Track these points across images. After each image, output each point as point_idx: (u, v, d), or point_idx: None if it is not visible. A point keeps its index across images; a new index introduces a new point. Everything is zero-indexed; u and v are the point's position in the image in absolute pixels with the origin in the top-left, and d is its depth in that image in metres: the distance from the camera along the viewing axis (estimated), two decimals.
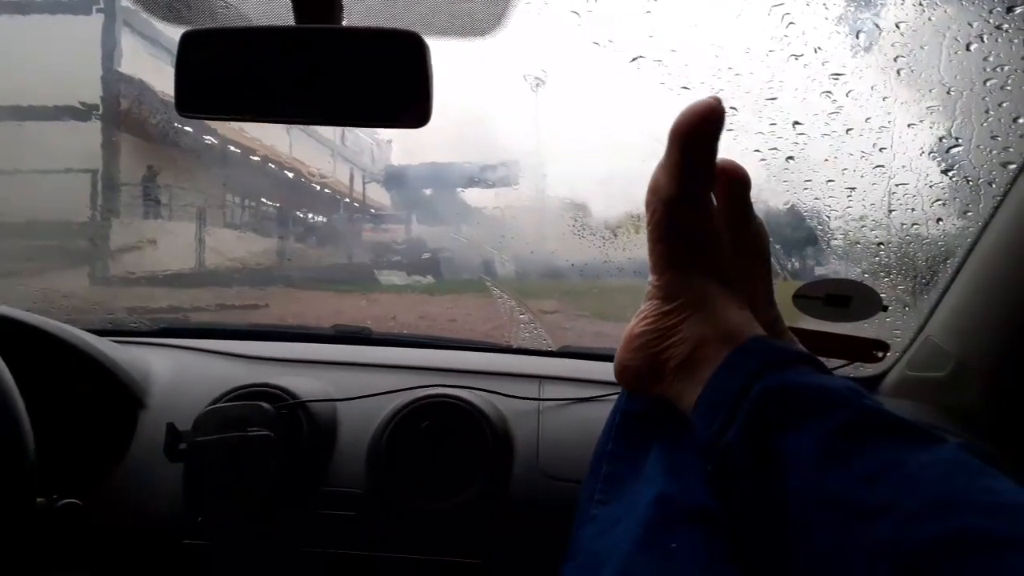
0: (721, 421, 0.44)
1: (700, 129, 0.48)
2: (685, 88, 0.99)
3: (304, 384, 1.04)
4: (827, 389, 0.43)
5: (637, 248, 1.36)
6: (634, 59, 0.98)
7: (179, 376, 1.10)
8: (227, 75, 0.69)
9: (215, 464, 0.91)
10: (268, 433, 0.91)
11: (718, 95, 0.47)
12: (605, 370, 1.11)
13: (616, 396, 0.61)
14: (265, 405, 0.94)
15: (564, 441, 1.01)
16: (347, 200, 3.49)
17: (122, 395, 1.03)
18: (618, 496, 0.52)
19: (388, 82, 0.67)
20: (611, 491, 0.53)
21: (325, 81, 0.67)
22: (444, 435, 0.99)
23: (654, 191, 0.51)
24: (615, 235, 1.39)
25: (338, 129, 2.98)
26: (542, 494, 0.96)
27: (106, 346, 1.04)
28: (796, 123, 0.95)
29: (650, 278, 0.54)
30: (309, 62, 0.67)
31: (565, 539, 0.55)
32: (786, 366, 0.46)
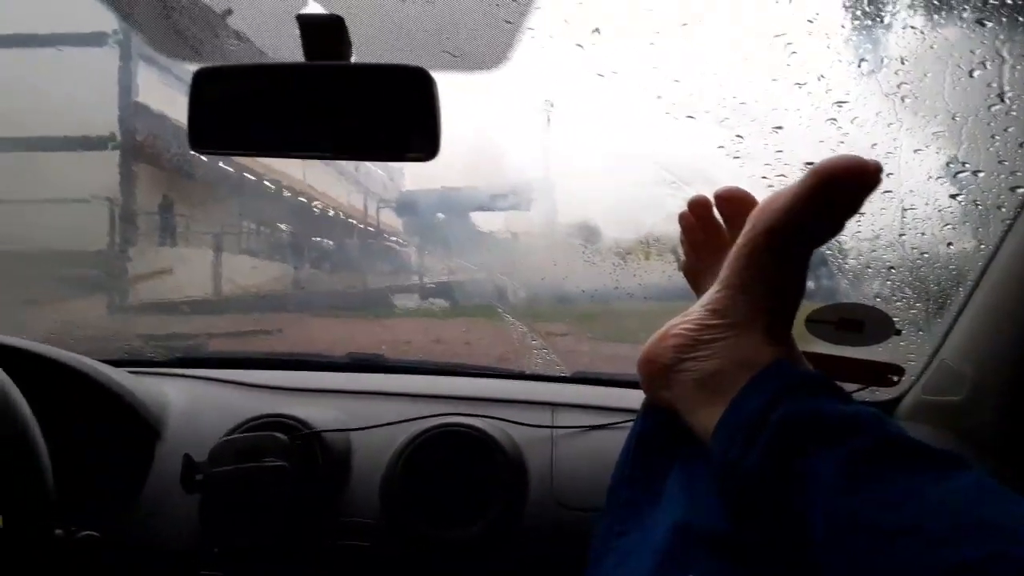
0: (741, 445, 0.44)
1: (850, 180, 0.46)
2: (690, 117, 1.00)
3: (318, 414, 1.04)
4: (849, 415, 0.43)
5: (647, 274, 1.36)
6: (639, 90, 0.99)
7: (195, 407, 1.11)
8: (239, 111, 0.71)
9: (231, 495, 0.92)
10: (283, 464, 0.91)
11: (879, 163, 0.45)
12: (619, 396, 1.12)
13: (631, 423, 0.62)
14: (280, 435, 0.95)
15: (578, 469, 1.00)
16: (361, 226, 3.52)
17: (139, 426, 1.03)
18: (636, 525, 0.53)
19: (397, 116, 0.68)
20: (630, 519, 0.54)
21: (335, 116, 0.69)
22: (458, 464, 0.99)
23: (765, 213, 0.51)
24: (624, 261, 1.40)
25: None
26: (556, 523, 0.96)
27: (123, 377, 1.05)
28: (804, 160, 0.95)
29: (714, 287, 0.54)
30: (319, 98, 0.69)
31: (579, 569, 0.55)
32: (807, 391, 0.46)
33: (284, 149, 0.75)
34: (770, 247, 0.50)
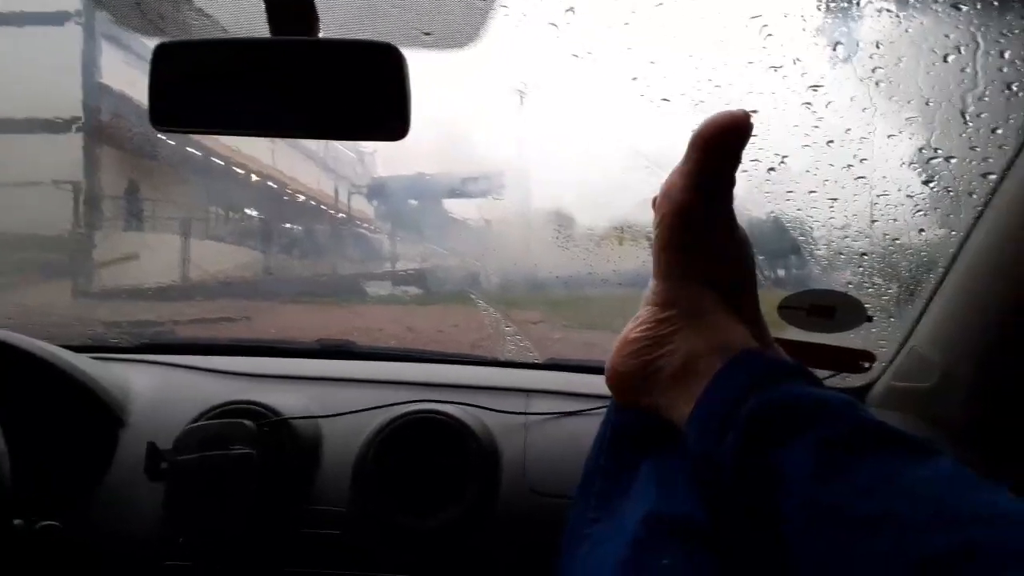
0: (715, 435, 0.44)
1: (725, 138, 0.48)
2: (665, 100, 0.99)
3: (287, 401, 1.02)
4: (822, 402, 0.42)
5: (621, 260, 1.36)
6: (613, 71, 0.98)
7: (160, 393, 1.08)
8: (202, 88, 0.68)
9: (196, 483, 0.89)
10: (250, 451, 0.89)
11: (745, 110, 0.47)
12: (592, 383, 1.11)
13: (604, 409, 0.61)
14: (247, 423, 0.92)
15: (551, 456, 1.00)
16: (331, 212, 3.48)
17: (101, 413, 1.01)
18: (610, 513, 0.52)
19: (366, 94, 0.66)
20: (603, 507, 0.53)
21: (301, 93, 0.67)
22: (430, 451, 0.98)
23: (667, 196, 0.51)
24: (599, 246, 1.39)
25: (321, 140, 2.97)
26: (529, 510, 0.95)
27: (84, 363, 1.02)
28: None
29: (651, 283, 0.54)
30: (285, 74, 0.66)
31: (553, 556, 0.54)
32: (779, 379, 0.45)
33: (248, 127, 0.73)
34: (684, 224, 0.51)
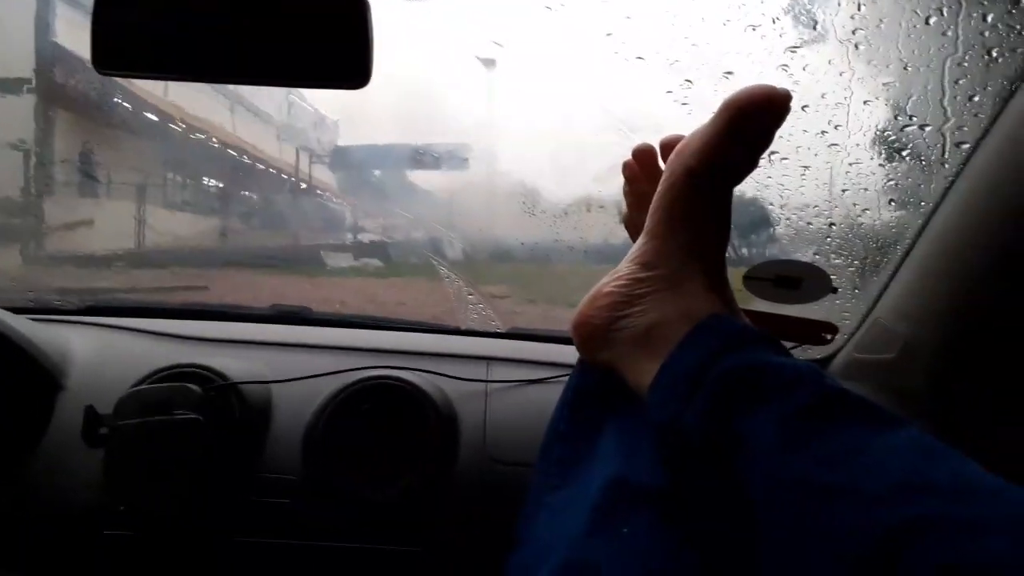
0: (679, 401, 0.43)
1: (762, 110, 0.45)
2: (640, 58, 0.96)
3: (236, 365, 0.98)
4: (789, 370, 0.42)
5: (588, 228, 1.34)
6: (585, 27, 0.95)
7: (102, 356, 1.03)
8: (149, 29, 0.64)
9: (138, 449, 0.85)
10: (196, 416, 0.85)
11: (787, 90, 0.44)
12: (555, 352, 1.09)
13: (566, 377, 0.60)
14: (193, 387, 0.88)
15: (512, 424, 0.98)
16: (292, 180, 3.40)
17: (37, 376, 0.95)
18: (571, 480, 0.51)
19: (326, 40, 0.63)
20: (563, 474, 0.52)
21: (258, 37, 0.63)
22: (386, 419, 0.95)
23: (681, 155, 0.50)
24: (566, 213, 1.37)
25: (283, 106, 2.89)
26: (489, 479, 0.93)
27: (20, 323, 0.97)
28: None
29: (640, 239, 0.53)
30: (240, 16, 0.62)
31: (513, 525, 0.52)
32: (747, 345, 0.44)
33: (199, 72, 0.68)
34: (691, 189, 0.49)
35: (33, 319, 1.04)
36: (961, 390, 0.91)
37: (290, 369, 1.00)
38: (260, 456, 0.93)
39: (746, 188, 1.05)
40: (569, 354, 0.55)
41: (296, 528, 0.90)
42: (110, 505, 0.87)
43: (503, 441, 0.96)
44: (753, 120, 0.46)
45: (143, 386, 0.91)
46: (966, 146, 0.79)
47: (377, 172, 2.65)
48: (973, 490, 0.34)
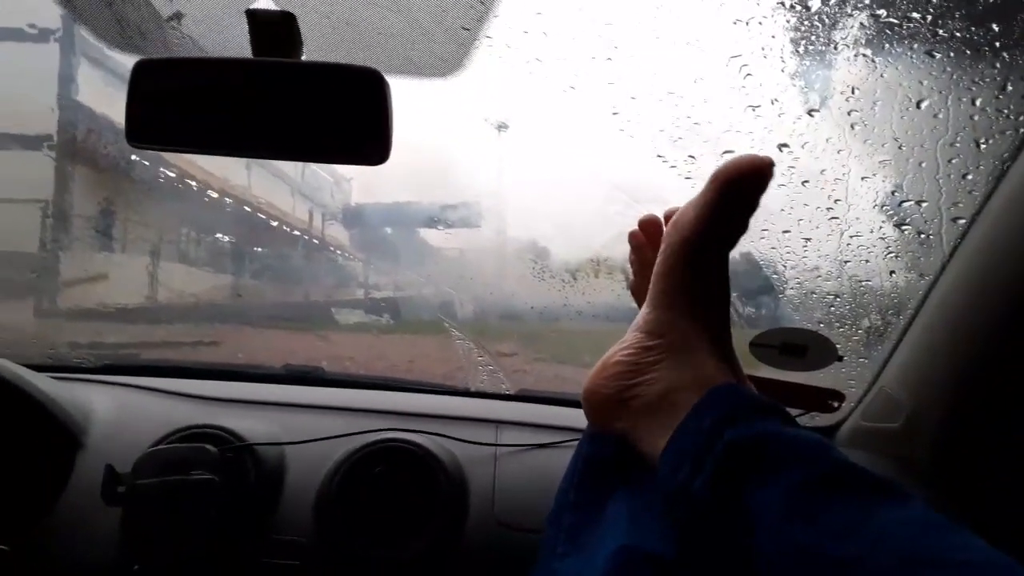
0: (688, 469, 0.43)
1: (744, 181, 0.47)
2: (642, 134, 1.00)
3: (251, 426, 1.00)
4: (797, 441, 0.42)
5: (596, 292, 1.36)
6: (594, 105, 0.99)
7: (121, 415, 1.05)
8: (180, 106, 0.67)
9: (155, 509, 0.86)
10: (212, 477, 0.87)
11: (770, 157, 0.47)
12: (564, 415, 1.10)
13: (575, 442, 0.60)
14: (210, 448, 0.90)
15: (521, 489, 0.98)
16: (305, 238, 3.45)
17: (59, 434, 0.97)
18: (579, 547, 0.50)
19: (347, 118, 0.66)
20: (572, 542, 0.51)
21: (282, 116, 0.66)
22: (397, 481, 0.96)
23: (677, 227, 0.51)
24: (575, 278, 1.39)
25: (298, 165, 2.95)
26: (497, 543, 0.93)
27: (43, 382, 0.99)
28: None
29: (644, 309, 0.54)
30: (266, 96, 0.66)
31: None
32: (756, 415, 0.45)
33: (227, 147, 0.71)
34: (688, 258, 0.51)
35: (54, 378, 1.06)
36: (962, 461, 0.92)
37: (303, 430, 1.02)
38: (273, 517, 0.94)
39: (751, 257, 1.08)
40: (578, 418, 0.55)
41: None
42: (126, 563, 0.88)
43: (512, 506, 0.96)
44: (740, 187, 0.48)
45: (161, 446, 0.93)
46: (962, 221, 0.82)
47: (389, 231, 2.69)
48: (980, 564, 0.34)
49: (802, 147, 0.93)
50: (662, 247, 0.53)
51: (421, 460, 0.97)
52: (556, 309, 1.44)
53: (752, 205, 0.49)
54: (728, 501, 0.41)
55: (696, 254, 0.50)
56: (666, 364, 0.50)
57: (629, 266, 0.69)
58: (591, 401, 0.55)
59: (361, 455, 0.97)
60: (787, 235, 1.02)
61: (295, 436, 1.01)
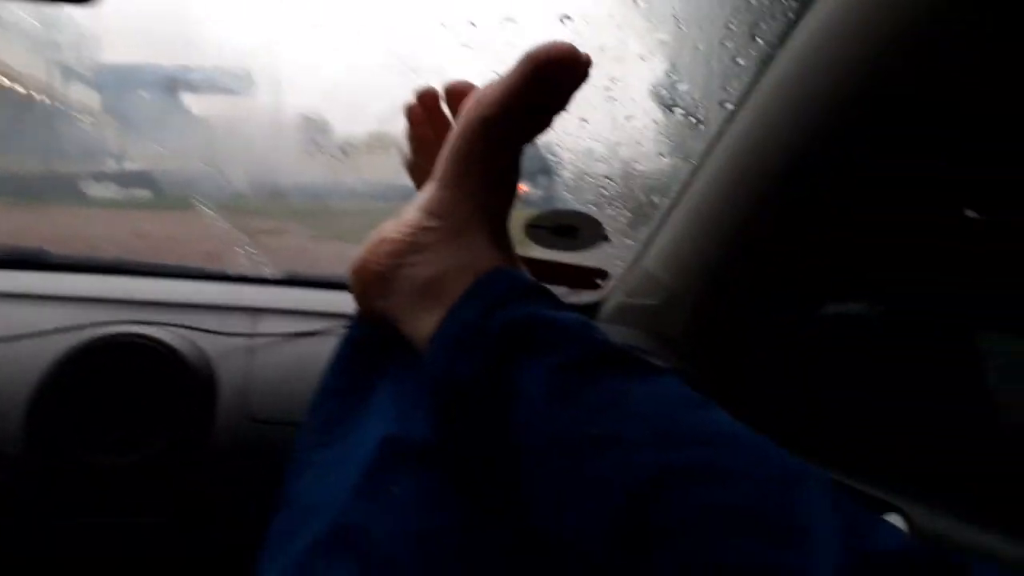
0: (456, 354, 0.43)
1: (564, 70, 0.43)
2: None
3: None
4: (561, 324, 0.42)
5: (371, 169, 1.30)
6: None
7: None
8: None
9: None
10: None
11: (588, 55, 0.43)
12: (333, 300, 1.04)
13: (342, 329, 0.59)
14: None
15: (279, 381, 0.91)
16: (46, 101, 2.97)
17: None
18: (340, 438, 0.48)
19: None
20: (333, 432, 0.49)
21: None
22: (128, 382, 0.84)
23: (480, 104, 0.47)
24: (346, 154, 1.31)
25: (39, 18, 2.49)
26: (251, 441, 0.87)
27: None
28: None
29: (429, 186, 0.50)
30: None
31: (275, 486, 0.49)
32: (524, 299, 0.44)
33: None
34: (484, 139, 0.47)
35: None
36: (719, 338, 0.98)
37: (15, 324, 0.87)
38: None
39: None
40: (348, 303, 0.51)
41: (20, 507, 0.79)
42: None
43: (269, 400, 0.89)
44: (553, 78, 0.44)
45: None
46: (729, 106, 0.83)
47: (146, 95, 2.37)
48: (725, 437, 0.36)
49: (585, 21, 0.89)
50: (459, 122, 0.49)
51: (159, 356, 0.85)
52: (329, 186, 1.38)
53: (563, 100, 0.46)
54: (493, 384, 0.41)
55: (493, 136, 0.47)
56: (444, 246, 0.48)
57: (407, 142, 0.63)
58: (359, 277, 0.52)
59: (84, 352, 0.84)
60: (564, 114, 0.99)
61: (5, 331, 0.86)
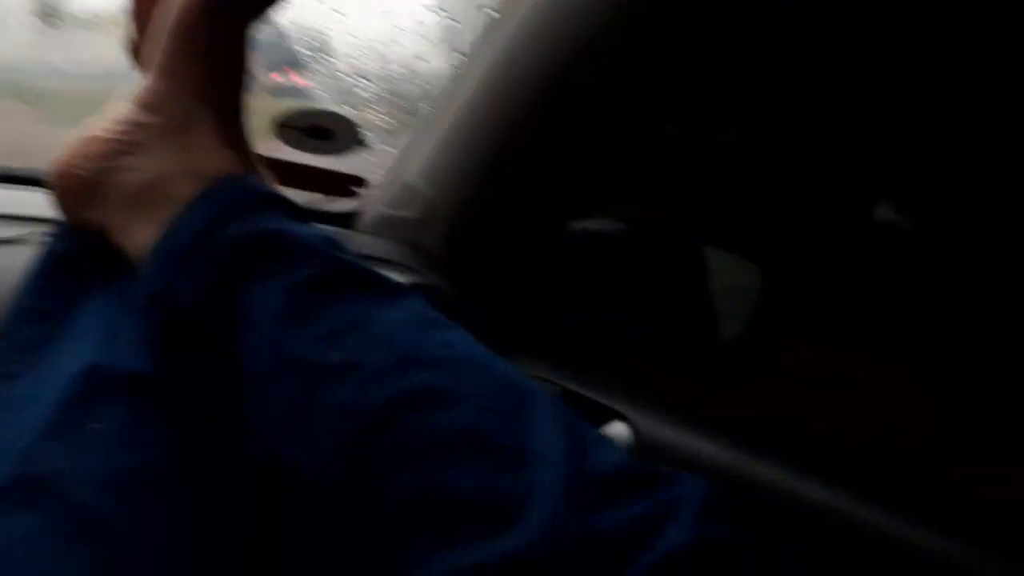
0: (176, 271, 0.39)
1: None
2: None
3: None
4: (298, 239, 0.40)
5: (85, 48, 1.14)
6: None
7: None
8: None
9: None
10: None
11: None
12: (29, 201, 0.88)
13: (45, 236, 0.49)
14: None
15: None
16: None
17: None
18: (35, 366, 0.42)
19: None
20: (26, 361, 0.42)
21: None
22: None
23: None
24: (55, 28, 1.13)
25: None
26: None
27: None
28: None
29: (143, 78, 0.45)
30: None
31: None
32: (259, 211, 0.41)
33: None
34: (204, 22, 0.43)
35: None
36: (478, 252, 0.99)
37: None
38: None
39: (281, 24, 0.97)
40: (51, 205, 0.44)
41: None
42: None
43: None
44: None
45: None
46: (487, 10, 0.81)
47: None
48: (462, 360, 0.36)
49: None
50: (176, 4, 0.44)
51: None
52: (30, 65, 1.18)
53: None
54: (219, 304, 0.39)
55: (217, 15, 0.43)
56: (161, 147, 0.43)
57: (129, 20, 0.54)
58: (62, 184, 0.45)
59: None
60: (320, 4, 0.92)
61: None
